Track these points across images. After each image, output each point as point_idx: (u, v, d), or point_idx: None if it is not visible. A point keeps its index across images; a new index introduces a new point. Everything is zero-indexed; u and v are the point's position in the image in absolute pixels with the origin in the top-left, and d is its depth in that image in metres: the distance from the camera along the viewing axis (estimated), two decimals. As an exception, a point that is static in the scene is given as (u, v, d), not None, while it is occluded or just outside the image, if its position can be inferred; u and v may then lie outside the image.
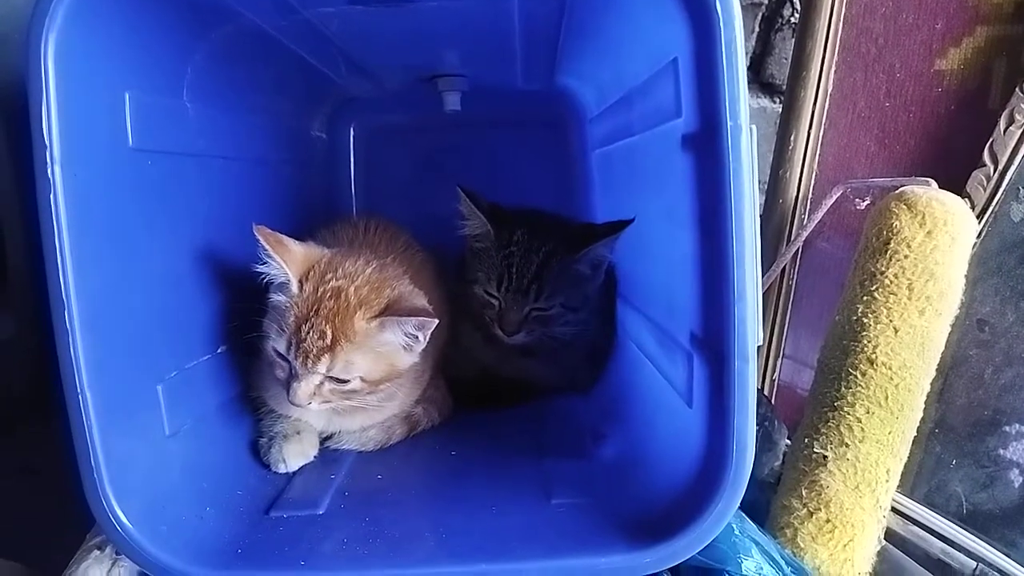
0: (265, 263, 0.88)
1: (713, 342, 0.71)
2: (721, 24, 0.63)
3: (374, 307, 0.89)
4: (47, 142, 0.65)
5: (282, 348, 0.88)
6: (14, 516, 0.99)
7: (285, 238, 0.90)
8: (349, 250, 0.96)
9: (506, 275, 1.11)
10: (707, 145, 0.67)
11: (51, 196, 0.66)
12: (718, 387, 0.70)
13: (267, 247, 0.87)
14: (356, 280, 0.90)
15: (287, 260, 0.88)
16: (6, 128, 0.99)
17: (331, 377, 0.88)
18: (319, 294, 0.87)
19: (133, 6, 0.72)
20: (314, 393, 0.88)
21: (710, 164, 0.67)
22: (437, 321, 0.89)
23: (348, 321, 0.87)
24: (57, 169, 0.66)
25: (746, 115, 0.65)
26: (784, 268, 1.18)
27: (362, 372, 0.89)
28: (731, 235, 0.66)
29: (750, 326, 0.67)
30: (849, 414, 0.92)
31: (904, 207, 0.93)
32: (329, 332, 0.86)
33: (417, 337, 0.90)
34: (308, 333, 0.85)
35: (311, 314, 0.86)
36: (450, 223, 1.19)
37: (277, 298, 0.90)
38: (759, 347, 0.69)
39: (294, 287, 0.88)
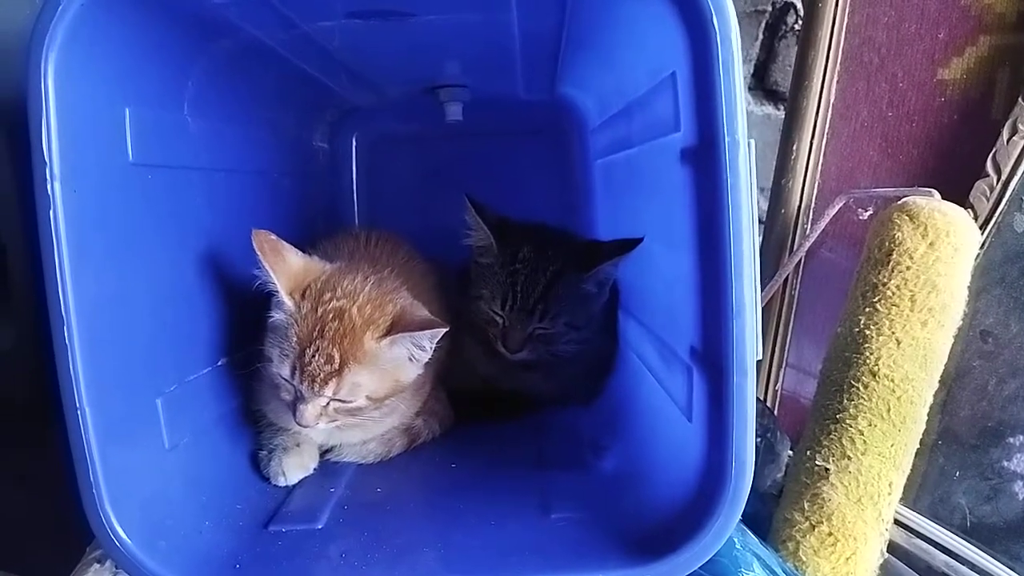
0: (260, 268, 0.87)
1: (712, 356, 0.70)
2: (718, 40, 0.63)
3: (381, 325, 0.88)
4: (47, 159, 0.65)
5: (286, 373, 0.86)
6: (12, 527, 0.99)
7: (285, 246, 0.89)
8: (347, 266, 0.95)
9: (511, 294, 1.10)
10: (704, 160, 0.67)
11: (51, 212, 0.66)
12: (717, 401, 0.69)
13: (260, 255, 0.84)
14: (357, 299, 0.88)
15: (278, 271, 0.86)
16: (8, 140, 0.99)
17: (337, 398, 0.87)
18: (320, 315, 0.86)
19: (132, 24, 0.72)
20: (320, 415, 0.87)
21: (707, 179, 0.66)
22: (447, 328, 0.88)
23: (356, 343, 0.85)
24: (57, 186, 0.66)
25: (743, 131, 0.64)
26: (787, 278, 1.17)
27: (369, 391, 0.88)
28: (729, 250, 0.65)
29: (749, 341, 0.66)
30: (851, 427, 0.91)
31: (906, 218, 0.93)
32: (337, 356, 0.84)
33: (424, 348, 0.89)
34: (314, 357, 0.84)
35: (315, 337, 0.85)
36: (453, 233, 1.18)
37: (277, 317, 0.88)
38: (760, 360, 0.69)
39: (285, 299, 0.87)
